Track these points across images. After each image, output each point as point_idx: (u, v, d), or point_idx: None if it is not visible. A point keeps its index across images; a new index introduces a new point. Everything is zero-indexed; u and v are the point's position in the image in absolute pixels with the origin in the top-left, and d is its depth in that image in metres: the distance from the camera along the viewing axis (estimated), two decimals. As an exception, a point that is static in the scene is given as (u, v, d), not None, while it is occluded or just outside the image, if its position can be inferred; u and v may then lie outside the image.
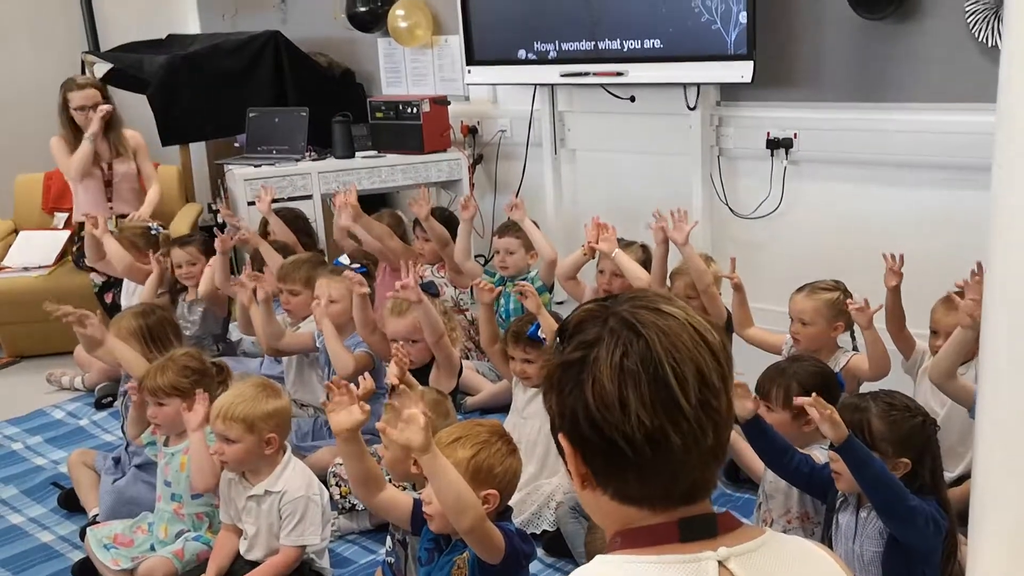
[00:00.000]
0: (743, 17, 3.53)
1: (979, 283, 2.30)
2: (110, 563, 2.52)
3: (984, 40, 3.18)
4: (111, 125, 4.37)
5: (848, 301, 2.70)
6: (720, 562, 0.95)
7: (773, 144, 3.77)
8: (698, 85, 3.82)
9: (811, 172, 3.76)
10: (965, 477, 2.49)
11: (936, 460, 2.12)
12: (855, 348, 2.88)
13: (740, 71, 3.59)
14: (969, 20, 3.20)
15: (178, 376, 2.56)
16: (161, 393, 2.58)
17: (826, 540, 2.16)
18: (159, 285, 3.77)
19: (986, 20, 3.16)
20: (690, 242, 3.12)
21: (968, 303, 2.33)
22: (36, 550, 2.81)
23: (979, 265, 2.36)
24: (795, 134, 3.73)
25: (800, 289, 2.87)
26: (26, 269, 4.43)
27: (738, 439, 2.57)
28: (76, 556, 2.71)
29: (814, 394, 2.04)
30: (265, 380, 2.58)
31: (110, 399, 3.79)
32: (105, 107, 4.26)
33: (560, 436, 0.98)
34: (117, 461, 2.94)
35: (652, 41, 3.83)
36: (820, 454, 2.27)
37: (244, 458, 2.38)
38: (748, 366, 2.48)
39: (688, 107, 3.90)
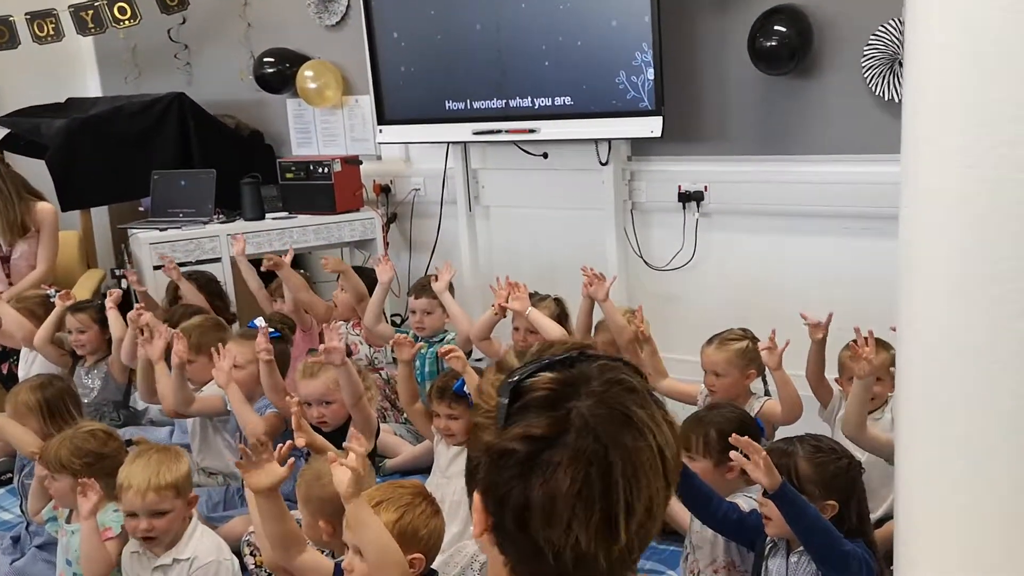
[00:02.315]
0: (651, 73, 3.62)
1: (866, 337, 2.37)
2: (6, 652, 2.35)
3: (881, 94, 3.32)
4: (1, 208, 4.19)
5: (759, 344, 2.74)
6: None
7: (685, 197, 3.85)
8: (609, 140, 3.89)
9: (722, 224, 3.85)
10: (887, 518, 2.52)
11: (862, 502, 2.14)
12: (767, 393, 2.92)
13: (650, 126, 3.66)
14: (866, 75, 3.34)
15: (71, 455, 2.43)
16: (52, 468, 2.45)
17: (755, 584, 2.15)
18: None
19: (882, 75, 3.31)
20: (610, 297, 3.14)
21: (858, 358, 2.38)
22: (-77, 644, 2.61)
23: (870, 333, 2.41)
24: (705, 187, 3.81)
25: (710, 341, 2.90)
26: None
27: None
28: (-32, 648, 2.52)
29: (745, 438, 2.03)
30: (158, 444, 2.48)
31: (8, 476, 3.57)
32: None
33: (475, 491, 0.93)
34: (16, 540, 2.78)
35: (562, 98, 3.89)
36: (744, 502, 2.27)
37: (172, 527, 2.27)
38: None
39: (600, 162, 3.95)
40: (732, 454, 2.04)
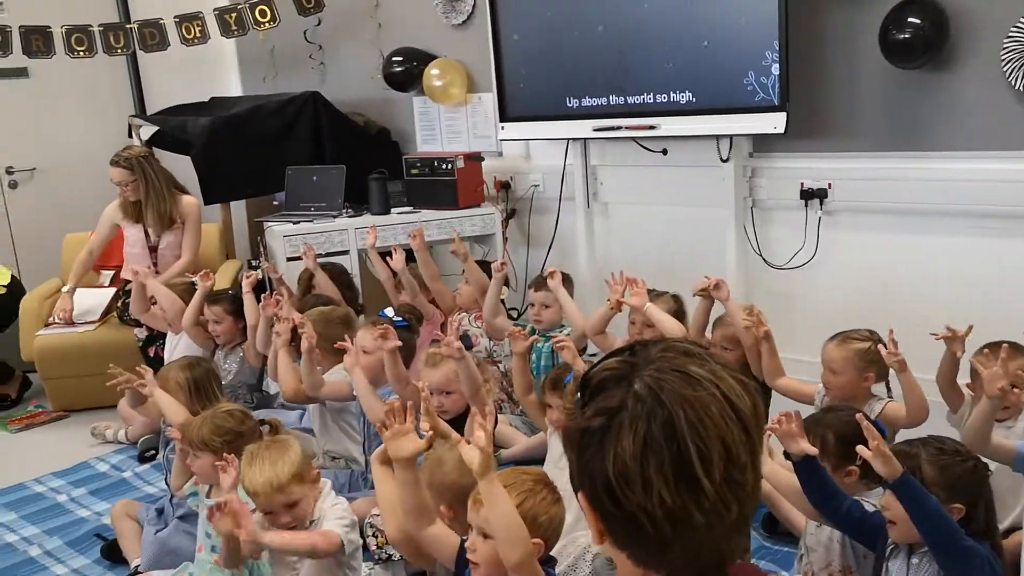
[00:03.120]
0: (776, 68, 3.57)
1: (1001, 360, 2.25)
2: (151, 614, 2.54)
3: (1021, 88, 3.18)
4: (152, 200, 4.47)
5: (882, 349, 2.68)
6: None
7: (807, 194, 3.78)
8: (731, 137, 3.86)
9: (846, 222, 3.76)
10: (1015, 528, 2.43)
11: (990, 506, 2.08)
12: (890, 397, 2.85)
13: (773, 122, 3.61)
14: (1005, 68, 3.21)
15: (212, 433, 2.58)
16: (194, 446, 2.61)
17: (875, 587, 2.11)
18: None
19: (1022, 67, 3.17)
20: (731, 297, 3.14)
21: (992, 373, 2.25)
22: (79, 601, 2.83)
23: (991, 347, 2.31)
24: (829, 184, 3.74)
25: (832, 338, 2.85)
26: (72, 324, 4.53)
27: (775, 493, 2.54)
28: (118, 607, 2.74)
29: (866, 422, 2.00)
30: (266, 441, 2.52)
31: (152, 452, 3.84)
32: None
33: (579, 495, 0.97)
34: (160, 512, 2.98)
35: (684, 94, 3.88)
36: (867, 506, 2.23)
37: (308, 508, 2.39)
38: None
39: (721, 159, 3.93)
40: (858, 448, 2.00)
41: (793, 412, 2.14)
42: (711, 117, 3.81)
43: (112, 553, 3.04)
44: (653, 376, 0.92)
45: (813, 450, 2.11)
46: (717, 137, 3.88)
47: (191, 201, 4.64)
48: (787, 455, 2.16)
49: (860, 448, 1.98)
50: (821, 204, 3.77)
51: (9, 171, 5.82)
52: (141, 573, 2.76)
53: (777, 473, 2.33)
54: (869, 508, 2.19)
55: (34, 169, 5.88)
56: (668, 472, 0.89)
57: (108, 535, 3.13)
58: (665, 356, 0.94)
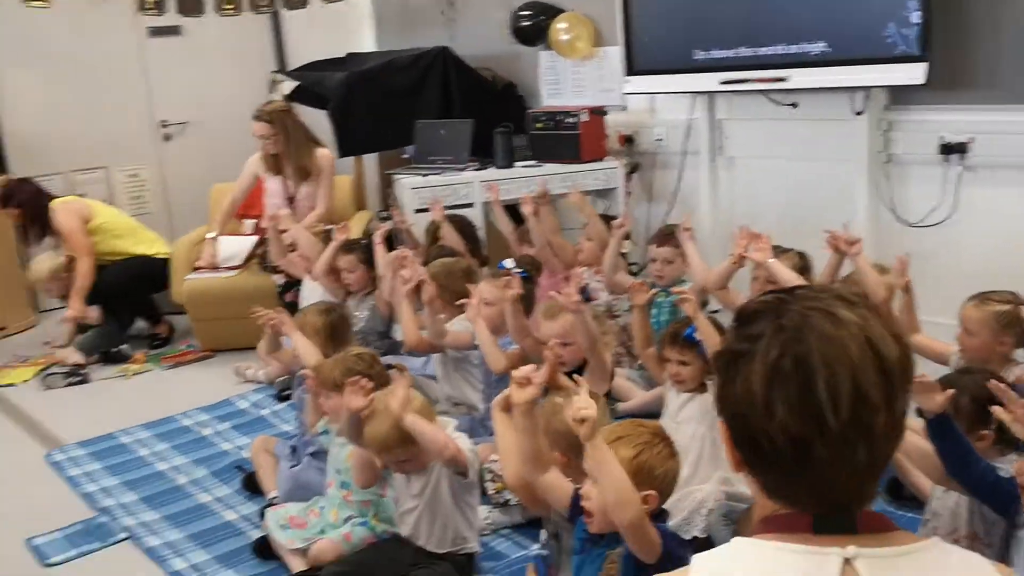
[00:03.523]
0: (917, 16, 3.40)
1: None
2: (286, 542, 2.69)
3: None
4: (291, 153, 4.65)
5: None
6: (848, 560, 0.91)
7: (946, 149, 3.62)
8: (866, 89, 3.71)
9: (988, 178, 3.58)
10: None
11: None
12: (1032, 361, 2.73)
13: (912, 73, 3.46)
14: None
15: (343, 375, 2.68)
16: (327, 386, 2.76)
17: (1004, 558, 2.06)
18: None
19: None
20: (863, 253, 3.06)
21: None
22: (221, 527, 3.04)
23: None
24: (971, 138, 3.56)
25: (972, 297, 2.75)
26: (217, 269, 4.80)
27: (899, 455, 2.49)
28: (256, 534, 2.92)
29: (1004, 385, 1.95)
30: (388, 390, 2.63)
31: (288, 392, 4.06)
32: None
33: (719, 420, 1.00)
34: (294, 449, 3.15)
35: (817, 45, 3.75)
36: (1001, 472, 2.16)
37: (422, 462, 2.50)
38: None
39: (854, 112, 3.79)
40: (994, 409, 1.94)
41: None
42: (845, 68, 3.67)
43: (251, 484, 3.25)
44: (800, 311, 0.94)
45: (948, 404, 2.05)
46: (851, 89, 3.74)
47: (325, 154, 4.81)
48: (919, 413, 2.11)
49: (996, 410, 1.92)
50: (961, 159, 3.60)
51: (164, 124, 6.20)
52: (277, 504, 2.94)
53: (905, 435, 2.28)
54: (1002, 474, 2.13)
55: (186, 123, 6.24)
56: (793, 400, 0.91)
57: (248, 468, 3.34)
58: (819, 297, 0.96)
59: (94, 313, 4.82)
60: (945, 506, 2.30)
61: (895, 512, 2.79)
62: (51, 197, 4.91)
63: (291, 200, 4.76)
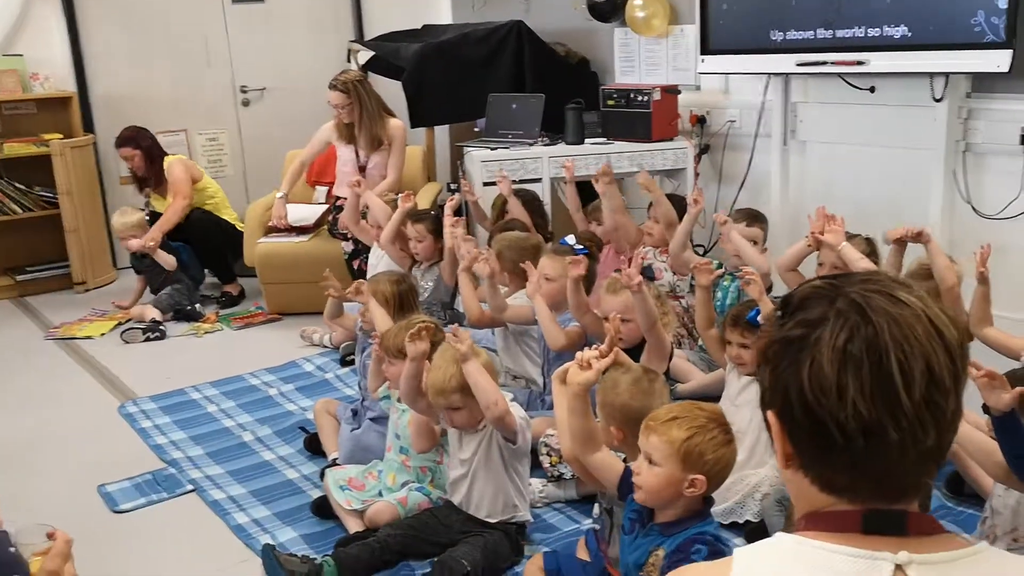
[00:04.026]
0: (1003, 1, 3.30)
1: None
2: (344, 503, 2.75)
3: None
4: (364, 122, 4.71)
5: None
6: (899, 566, 0.89)
7: (1029, 140, 3.51)
8: (947, 75, 3.61)
9: (1072, 172, 3.47)
10: None
11: None
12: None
13: (997, 60, 3.35)
14: None
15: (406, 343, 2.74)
16: (390, 353, 2.81)
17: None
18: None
19: None
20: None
21: None
22: (283, 485, 3.11)
23: None
24: (1055, 130, 3.45)
25: None
26: (287, 228, 4.89)
27: (960, 451, 2.45)
28: (315, 494, 2.97)
29: None
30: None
31: (351, 357, 4.15)
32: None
33: (769, 412, 0.96)
34: (355, 413, 3.21)
35: (898, 28, 3.66)
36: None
37: (472, 418, 2.54)
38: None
39: (934, 98, 3.69)
40: None
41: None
42: (926, 53, 3.58)
43: (313, 445, 3.31)
44: (859, 293, 0.91)
45: (1016, 401, 2.01)
46: (932, 75, 3.65)
47: (398, 124, 4.86)
48: (985, 410, 2.07)
49: None
50: (1044, 151, 3.48)
51: (243, 90, 6.33)
52: (337, 465, 3.01)
53: (966, 431, 2.24)
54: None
55: (264, 89, 6.35)
56: (866, 382, 0.88)
57: (310, 428, 3.41)
58: (872, 280, 0.94)
59: (171, 259, 5.01)
60: (1006, 504, 2.26)
61: (953, 508, 2.75)
62: (164, 152, 5.27)
63: (362, 169, 4.82)
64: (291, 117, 6.02)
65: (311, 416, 3.46)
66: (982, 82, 3.64)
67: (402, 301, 3.28)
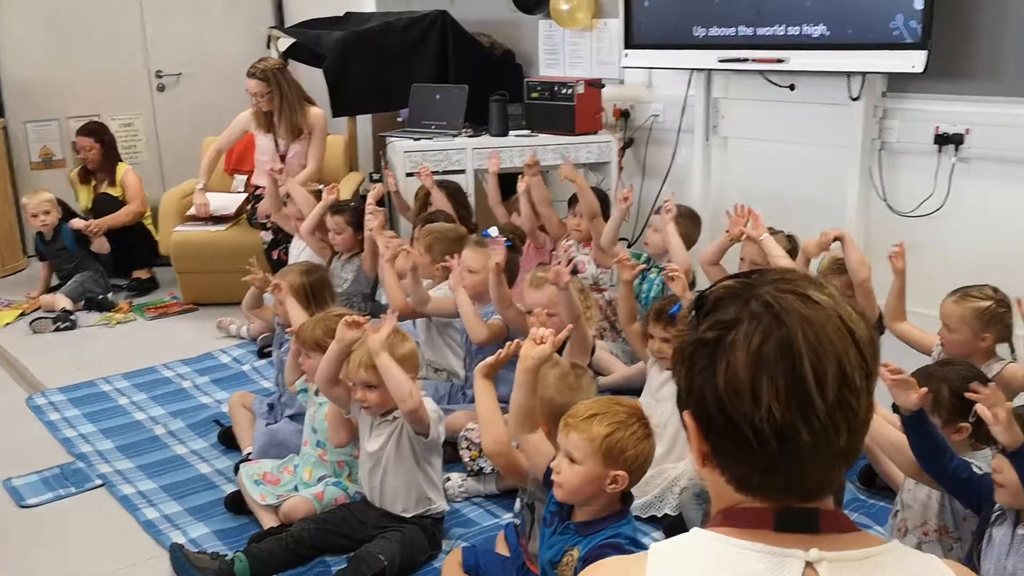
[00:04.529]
0: (919, 2, 3.37)
1: None
2: (258, 498, 2.71)
3: None
4: (284, 111, 4.63)
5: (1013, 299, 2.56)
6: (809, 563, 0.90)
7: (942, 139, 3.59)
8: (864, 74, 3.69)
9: (982, 171, 3.56)
10: None
11: None
12: (1014, 359, 2.74)
13: (912, 60, 3.42)
14: None
15: (324, 335, 2.69)
16: (307, 346, 2.75)
17: (975, 554, 2.06)
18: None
19: None
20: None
21: None
22: (196, 479, 3.05)
23: None
24: (967, 130, 3.53)
25: (953, 292, 2.75)
26: (211, 218, 4.77)
27: (872, 445, 2.50)
28: (229, 488, 2.93)
29: (991, 386, 1.94)
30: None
31: (270, 349, 4.06)
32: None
33: (685, 412, 0.96)
34: (271, 407, 3.16)
35: (817, 27, 3.72)
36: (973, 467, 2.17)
37: (384, 401, 2.51)
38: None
39: (851, 97, 3.77)
40: (977, 406, 1.93)
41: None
42: (844, 52, 3.64)
43: (227, 439, 3.25)
44: (771, 294, 0.91)
45: (925, 401, 2.05)
46: (849, 74, 3.72)
47: (319, 113, 4.78)
48: (895, 409, 2.11)
49: (982, 410, 1.91)
50: (956, 150, 3.58)
51: (159, 75, 6.16)
52: (251, 460, 2.95)
53: (878, 426, 2.28)
54: (976, 470, 2.13)
55: (180, 74, 6.19)
56: (780, 385, 0.88)
57: (225, 422, 3.35)
58: (784, 279, 0.94)
59: (105, 245, 4.98)
60: (916, 498, 2.31)
61: (865, 501, 2.81)
62: (120, 156, 5.40)
63: (282, 158, 4.73)
64: (208, 104, 5.88)
65: (226, 409, 3.39)
66: (897, 82, 3.73)
67: (313, 292, 3.23)
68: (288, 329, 3.03)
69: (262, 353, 4.11)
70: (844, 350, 0.89)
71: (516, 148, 4.50)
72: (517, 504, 2.43)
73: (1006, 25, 3.38)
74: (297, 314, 3.08)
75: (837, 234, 3.06)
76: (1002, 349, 2.72)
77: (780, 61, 3.83)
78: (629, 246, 4.42)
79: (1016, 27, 3.35)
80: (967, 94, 3.54)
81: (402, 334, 2.62)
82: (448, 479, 2.86)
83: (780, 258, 3.07)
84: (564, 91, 4.57)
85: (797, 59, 3.78)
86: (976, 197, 3.58)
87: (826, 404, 0.88)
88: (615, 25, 4.67)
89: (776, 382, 0.88)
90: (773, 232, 3.35)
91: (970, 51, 3.48)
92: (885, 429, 2.24)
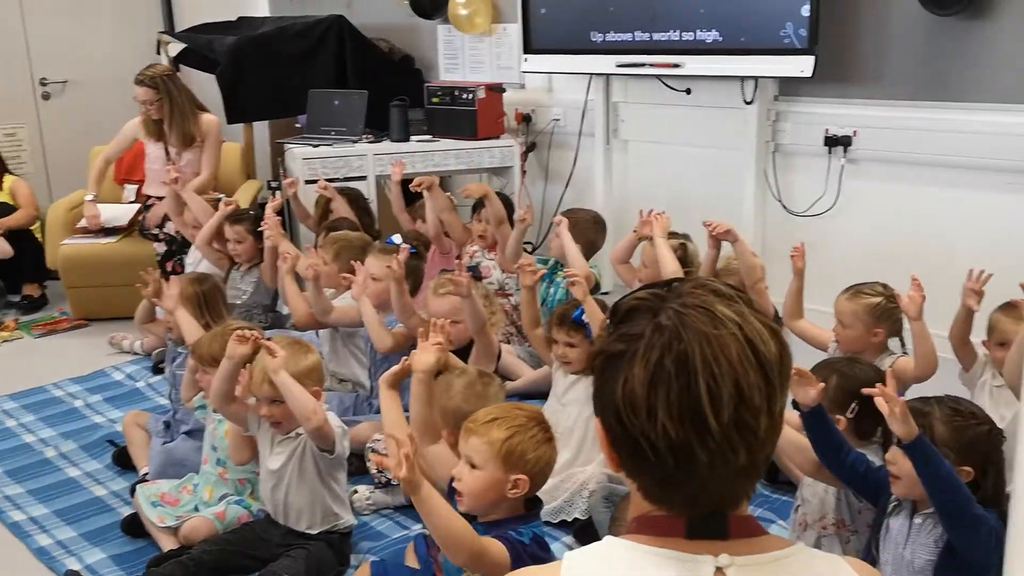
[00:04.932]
0: (806, 9, 3.49)
1: None
2: (156, 520, 2.61)
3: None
4: (175, 119, 4.49)
5: (898, 294, 2.66)
6: (719, 568, 0.92)
7: (831, 141, 3.72)
8: (756, 79, 3.79)
9: (870, 171, 3.71)
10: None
11: (1000, 472, 2.02)
12: (904, 353, 2.83)
13: (800, 65, 3.55)
14: (1046, 18, 3.11)
15: (222, 350, 2.58)
16: (204, 362, 2.66)
17: (874, 544, 2.11)
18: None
19: (1059, 19, 3.07)
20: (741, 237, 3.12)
21: None
22: (90, 503, 2.93)
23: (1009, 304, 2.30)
24: (854, 132, 3.67)
25: (845, 290, 2.83)
26: (102, 230, 4.59)
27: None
28: (126, 511, 2.81)
29: (887, 387, 1.97)
30: (294, 339, 2.65)
31: (162, 364, 3.92)
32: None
33: (597, 420, 0.97)
34: (168, 425, 3.06)
35: (710, 33, 3.81)
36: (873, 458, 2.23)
37: (290, 417, 2.44)
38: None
39: (745, 101, 3.87)
40: (876, 399, 1.98)
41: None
42: (737, 58, 3.74)
43: (122, 459, 3.13)
44: (677, 310, 0.91)
45: (822, 397, 2.10)
46: (742, 78, 3.82)
47: (211, 120, 4.65)
48: (795, 405, 2.15)
49: (880, 402, 1.95)
50: (845, 152, 3.71)
51: (43, 82, 5.90)
52: (148, 480, 2.84)
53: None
54: (872, 463, 2.18)
55: (66, 81, 5.95)
56: (674, 404, 0.88)
57: (120, 442, 3.22)
58: (695, 293, 0.93)
59: (7, 247, 4.80)
60: (815, 494, 2.35)
61: (769, 496, 2.86)
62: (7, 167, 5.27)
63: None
64: (97, 112, 5.65)
65: (120, 429, 3.26)
66: (788, 86, 3.85)
67: (206, 301, 3.13)
68: (175, 337, 2.92)
69: (157, 369, 3.97)
70: (744, 370, 0.89)
71: (418, 154, 4.46)
72: (427, 514, 2.40)
73: (888, 31, 3.52)
74: (189, 325, 2.98)
75: (726, 228, 3.11)
76: (893, 343, 2.82)
77: (676, 66, 3.91)
78: (534, 250, 4.43)
79: (898, 33, 3.50)
80: (854, 97, 3.68)
81: (305, 345, 2.56)
82: (355, 492, 2.81)
83: (666, 264, 3.11)
84: (465, 96, 4.56)
85: (692, 64, 3.87)
86: (864, 196, 3.72)
87: (721, 424, 0.88)
88: (514, 30, 4.69)
89: (670, 399, 0.88)
90: (673, 235, 3.40)
91: (856, 56, 3.62)
92: (787, 429, 2.28)
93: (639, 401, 0.89)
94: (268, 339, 2.75)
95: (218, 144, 4.66)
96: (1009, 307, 2.57)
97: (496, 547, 1.85)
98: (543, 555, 1.93)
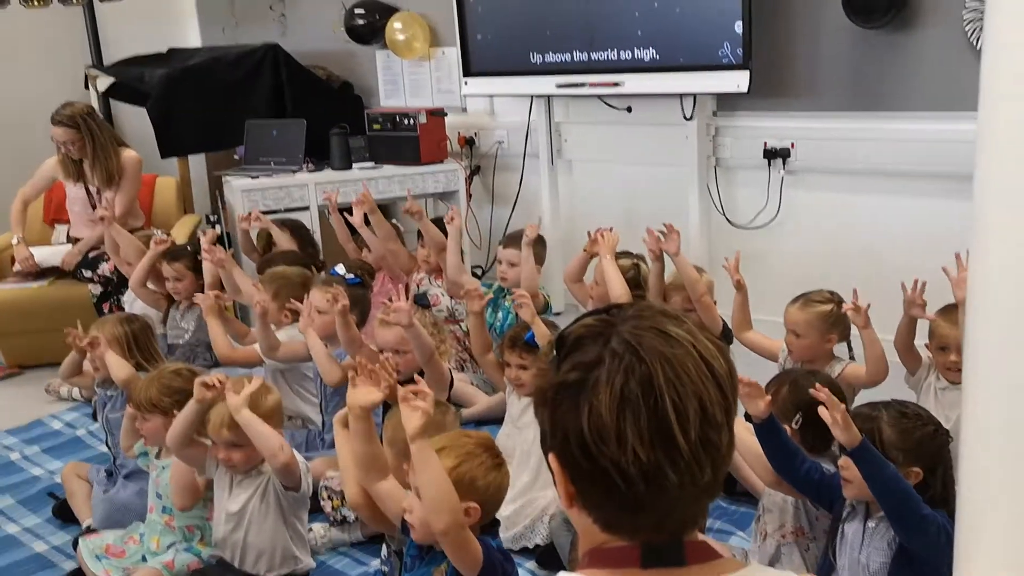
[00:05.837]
0: (739, 27, 3.53)
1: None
2: (102, 573, 2.51)
3: (982, 48, 3.15)
4: (98, 158, 4.36)
5: (845, 305, 2.68)
6: None
7: (770, 154, 3.77)
8: (694, 95, 3.83)
9: (809, 182, 3.76)
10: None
11: (948, 471, 2.06)
12: (852, 358, 2.86)
13: (736, 81, 3.59)
14: (967, 28, 3.19)
15: (160, 394, 2.53)
16: (143, 408, 2.57)
17: (830, 550, 2.13)
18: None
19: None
20: (683, 253, 3.12)
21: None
22: (30, 560, 2.81)
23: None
24: (792, 144, 3.73)
25: (794, 300, 2.85)
26: (37, 272, 4.45)
27: (735, 454, 2.54)
28: (69, 566, 2.71)
29: (826, 391, 1.99)
30: (246, 377, 2.58)
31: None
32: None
33: (550, 455, 0.94)
34: (109, 474, 2.95)
35: (648, 51, 3.83)
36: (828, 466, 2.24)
37: (250, 459, 2.39)
38: (744, 373, 2.45)
39: (684, 117, 3.90)
40: (819, 408, 1.99)
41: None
42: (675, 75, 3.78)
43: (64, 512, 3.01)
44: (631, 332, 0.90)
45: (771, 408, 2.11)
46: (681, 95, 3.85)
47: (131, 156, 4.49)
48: (748, 417, 2.15)
49: (822, 411, 1.97)
50: (784, 164, 3.76)
51: (-35, 121, 5.70)
52: (92, 532, 2.73)
53: (741, 438, 2.32)
54: (826, 470, 2.20)
55: (-10, 120, 5.75)
56: (644, 427, 0.87)
57: (60, 494, 3.10)
58: (642, 315, 0.93)
59: None
60: (774, 502, 2.37)
61: (728, 508, 2.86)
62: None
63: (95, 208, 4.42)
64: (20, 151, 5.45)
65: (60, 480, 3.13)
66: (726, 101, 3.89)
67: (136, 341, 3.02)
68: (101, 379, 2.82)
69: (97, 415, 3.83)
70: (704, 387, 0.90)
71: (361, 181, 4.41)
72: (384, 550, 2.34)
73: (820, 45, 3.59)
74: (119, 367, 2.87)
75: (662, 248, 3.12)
76: (839, 349, 2.85)
77: (616, 84, 3.93)
78: (482, 274, 4.40)
79: (829, 47, 3.57)
80: (790, 111, 3.74)
81: (266, 386, 2.49)
82: (310, 530, 2.73)
83: (614, 285, 3.11)
84: (406, 121, 4.54)
85: (632, 82, 3.89)
86: (805, 206, 3.78)
87: (689, 443, 0.88)
88: (453, 53, 4.67)
89: (640, 423, 0.88)
90: (629, 256, 3.39)
91: (790, 71, 3.68)
92: (746, 439, 2.28)
93: (607, 428, 0.88)
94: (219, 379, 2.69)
95: (134, 180, 4.50)
96: (948, 310, 2.61)
97: (472, 536, 1.85)
98: (508, 566, 1.93)
